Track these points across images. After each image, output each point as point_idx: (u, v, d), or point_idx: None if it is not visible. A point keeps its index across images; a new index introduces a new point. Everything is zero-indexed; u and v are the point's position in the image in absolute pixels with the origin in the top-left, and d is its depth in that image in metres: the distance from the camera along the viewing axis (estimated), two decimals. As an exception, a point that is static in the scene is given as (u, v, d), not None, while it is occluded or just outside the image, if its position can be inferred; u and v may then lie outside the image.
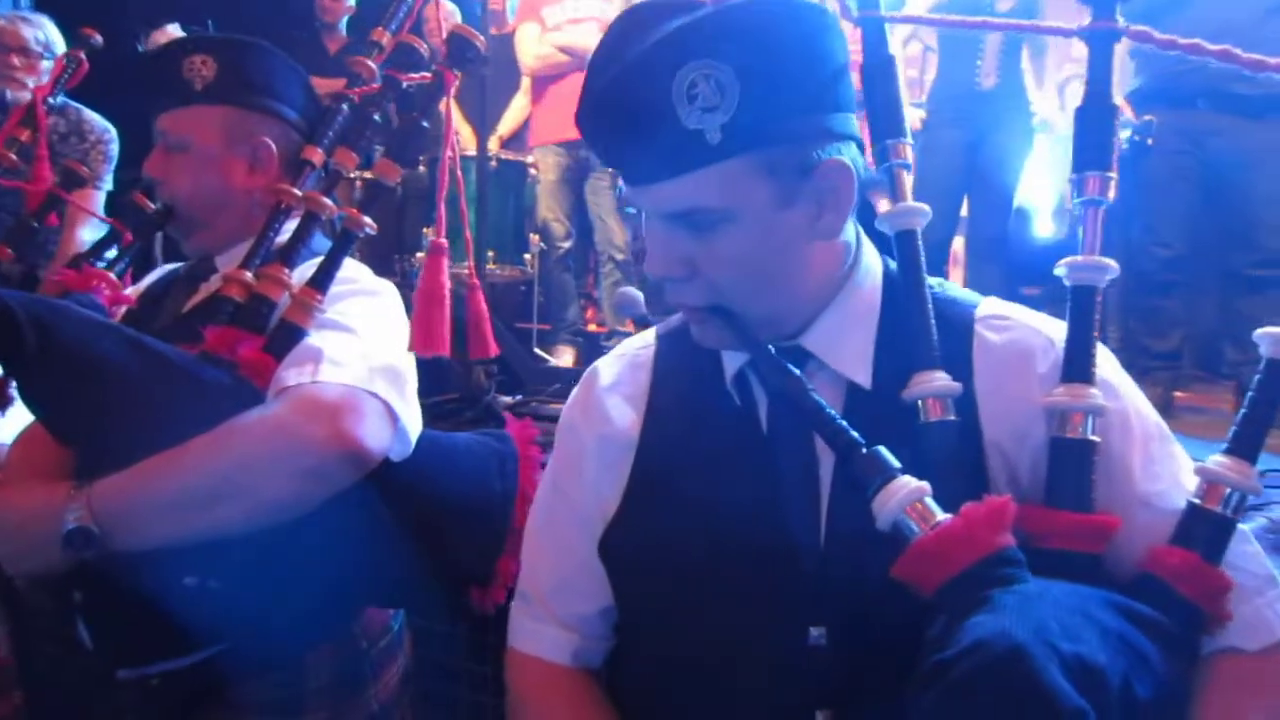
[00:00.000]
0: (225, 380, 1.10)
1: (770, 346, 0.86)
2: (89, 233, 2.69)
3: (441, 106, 1.28)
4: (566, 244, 3.90)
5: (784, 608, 0.84)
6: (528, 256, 3.79)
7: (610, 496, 0.96)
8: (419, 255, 3.72)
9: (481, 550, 1.21)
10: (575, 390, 1.05)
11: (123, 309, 1.34)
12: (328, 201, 1.26)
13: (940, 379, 0.85)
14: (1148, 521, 0.84)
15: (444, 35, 1.28)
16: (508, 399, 2.57)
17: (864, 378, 0.89)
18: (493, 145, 3.92)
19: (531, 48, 3.86)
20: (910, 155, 0.98)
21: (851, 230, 0.93)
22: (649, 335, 1.04)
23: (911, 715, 0.66)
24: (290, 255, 1.21)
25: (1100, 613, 0.68)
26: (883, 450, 0.77)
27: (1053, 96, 3.50)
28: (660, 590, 0.92)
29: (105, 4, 4.21)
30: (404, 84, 1.31)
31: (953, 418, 0.85)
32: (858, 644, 0.82)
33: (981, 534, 0.71)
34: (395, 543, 1.16)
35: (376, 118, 1.32)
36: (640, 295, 1.80)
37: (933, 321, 0.89)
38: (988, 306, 0.94)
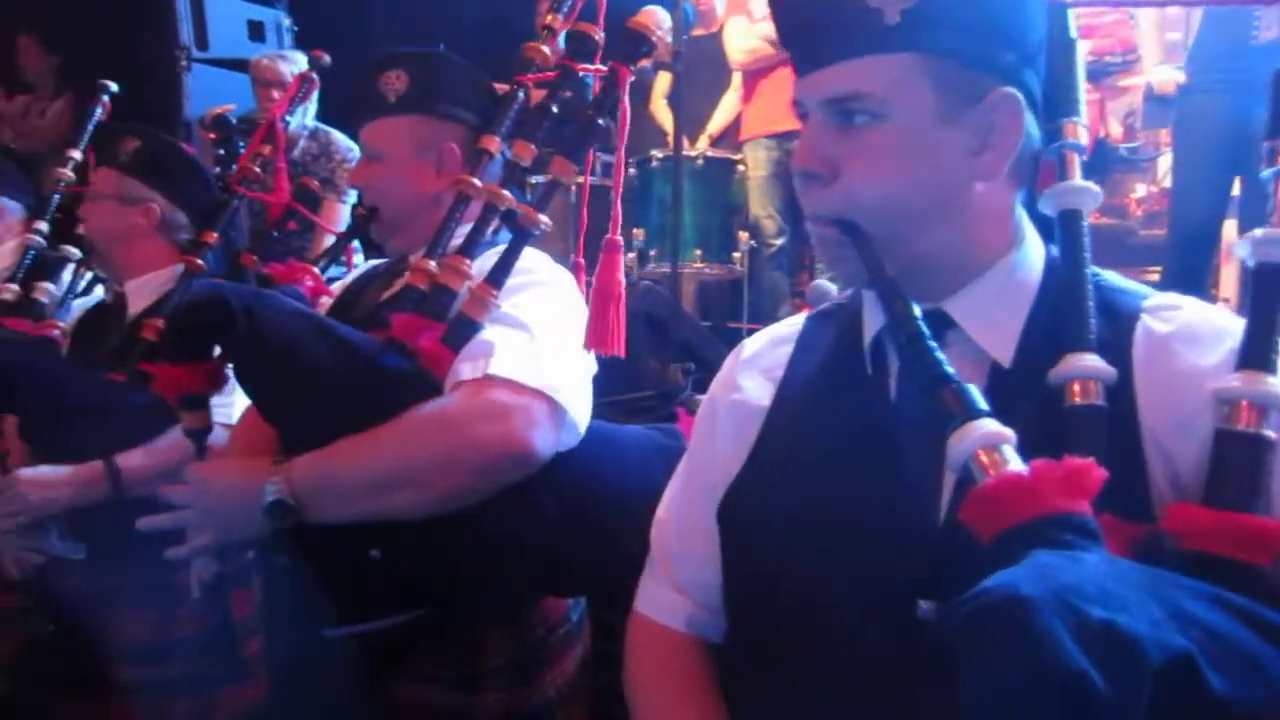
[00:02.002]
0: (406, 369, 1.17)
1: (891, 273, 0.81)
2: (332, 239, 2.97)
3: (656, 102, 1.28)
4: (779, 241, 3.85)
5: (895, 578, 0.80)
6: (736, 255, 3.78)
7: (734, 463, 0.95)
8: (629, 255, 3.81)
9: (644, 545, 1.24)
10: (723, 366, 1.05)
11: (324, 300, 1.47)
12: (506, 194, 1.30)
13: (1091, 360, 0.77)
14: None
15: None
16: (704, 398, 2.57)
17: (1006, 356, 0.83)
18: (702, 143, 3.95)
19: (739, 42, 3.85)
20: (1083, 136, 0.92)
21: (1018, 210, 0.87)
22: (799, 317, 1.03)
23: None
24: (470, 246, 1.27)
25: (1191, 602, 0.59)
26: (973, 389, 0.71)
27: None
28: (769, 555, 0.89)
29: (355, 34, 4.65)
30: (579, 73, 1.33)
31: (1102, 403, 0.76)
32: None
33: (1048, 491, 0.64)
34: (558, 531, 1.19)
35: (554, 108, 1.34)
36: (833, 287, 1.76)
37: (1091, 304, 0.81)
38: (1161, 298, 0.84)
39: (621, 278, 1.35)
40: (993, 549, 0.65)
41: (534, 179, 2.81)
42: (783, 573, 0.88)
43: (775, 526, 0.89)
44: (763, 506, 0.91)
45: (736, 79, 4.04)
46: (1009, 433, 0.68)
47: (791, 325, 1.01)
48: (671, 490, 1.05)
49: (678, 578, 1.00)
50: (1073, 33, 0.93)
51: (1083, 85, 0.93)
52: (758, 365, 0.99)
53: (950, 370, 0.72)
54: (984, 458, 0.67)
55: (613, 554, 1.24)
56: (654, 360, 2.45)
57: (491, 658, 1.27)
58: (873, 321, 0.90)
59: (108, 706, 1.68)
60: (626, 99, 1.29)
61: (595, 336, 1.30)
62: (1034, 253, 0.88)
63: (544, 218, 1.26)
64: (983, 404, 0.70)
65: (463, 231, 1.32)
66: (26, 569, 1.72)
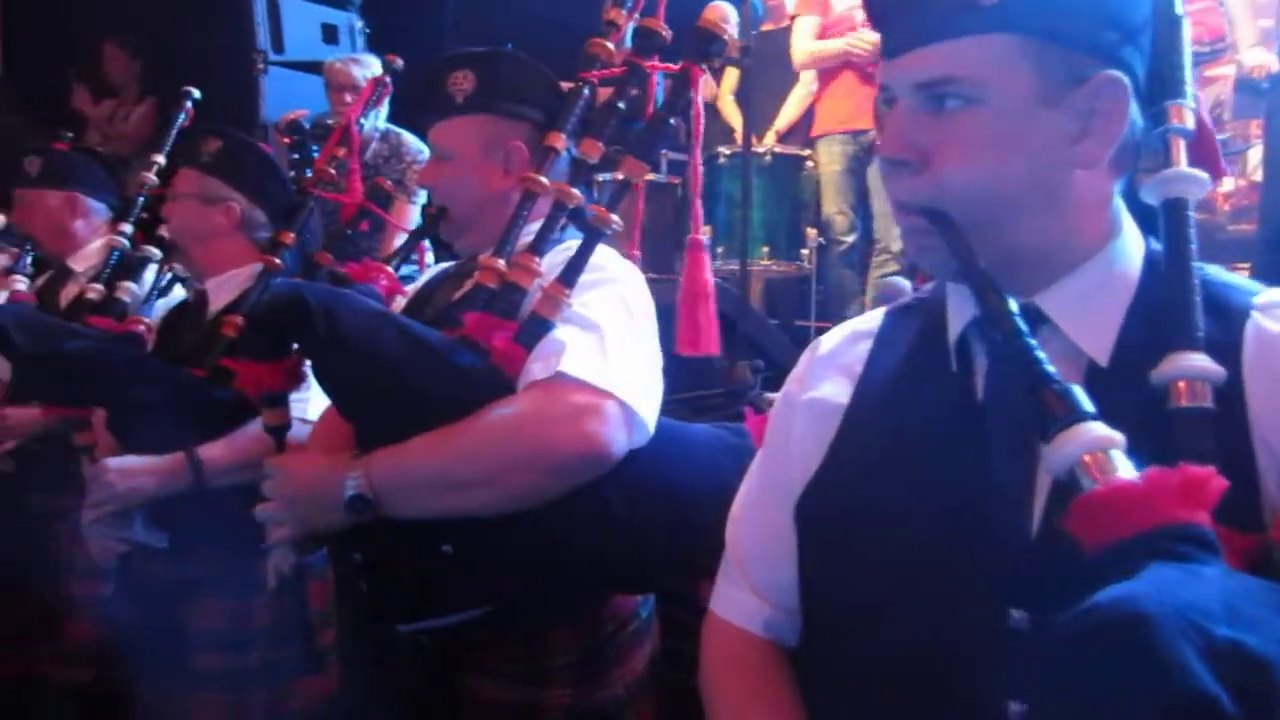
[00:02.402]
0: (480, 366, 1.18)
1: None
2: (402, 239, 3.02)
3: (711, 98, 1.28)
4: (850, 237, 3.79)
5: (984, 587, 0.76)
6: (804, 252, 3.73)
7: (811, 462, 0.92)
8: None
9: (712, 544, 1.22)
10: (799, 361, 1.02)
11: (399, 299, 1.48)
12: (575, 192, 1.30)
13: (1199, 359, 0.73)
14: None
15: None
16: (774, 396, 2.55)
17: (1103, 355, 0.79)
18: (770, 139, 3.92)
19: (804, 43, 3.81)
20: (1190, 120, 0.87)
21: (1116, 200, 0.83)
22: (878, 312, 0.99)
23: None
24: (540, 244, 1.27)
25: None
26: (1078, 390, 0.67)
27: None
28: (848, 557, 0.86)
29: (427, 37, 4.72)
30: (647, 70, 1.32)
31: (1210, 405, 0.72)
32: None
33: (1164, 501, 0.60)
34: (625, 530, 1.19)
35: (621, 105, 1.34)
36: (907, 284, 1.72)
37: (1198, 299, 0.77)
38: (1273, 295, 0.79)
39: (709, 277, 1.36)
40: (1102, 560, 0.62)
41: (600, 176, 2.83)
42: (862, 575, 0.85)
43: (855, 527, 0.86)
44: (842, 507, 0.88)
45: (805, 75, 3.99)
46: (1118, 437, 0.65)
47: (870, 321, 0.98)
48: (745, 490, 1.03)
49: (753, 580, 0.98)
50: (1179, 9, 0.88)
51: (1189, 66, 0.88)
52: (835, 362, 0.96)
53: (1052, 370, 0.69)
54: (1091, 463, 0.64)
55: (681, 552, 1.23)
56: (722, 358, 2.44)
57: (560, 654, 1.27)
58: (958, 317, 0.87)
59: (186, 694, 1.72)
60: (700, 99, 1.28)
61: (687, 338, 1.30)
62: (1133, 244, 0.84)
63: (615, 217, 1.26)
64: (1089, 406, 0.67)
65: (531, 229, 1.32)
66: (112, 557, 1.78)
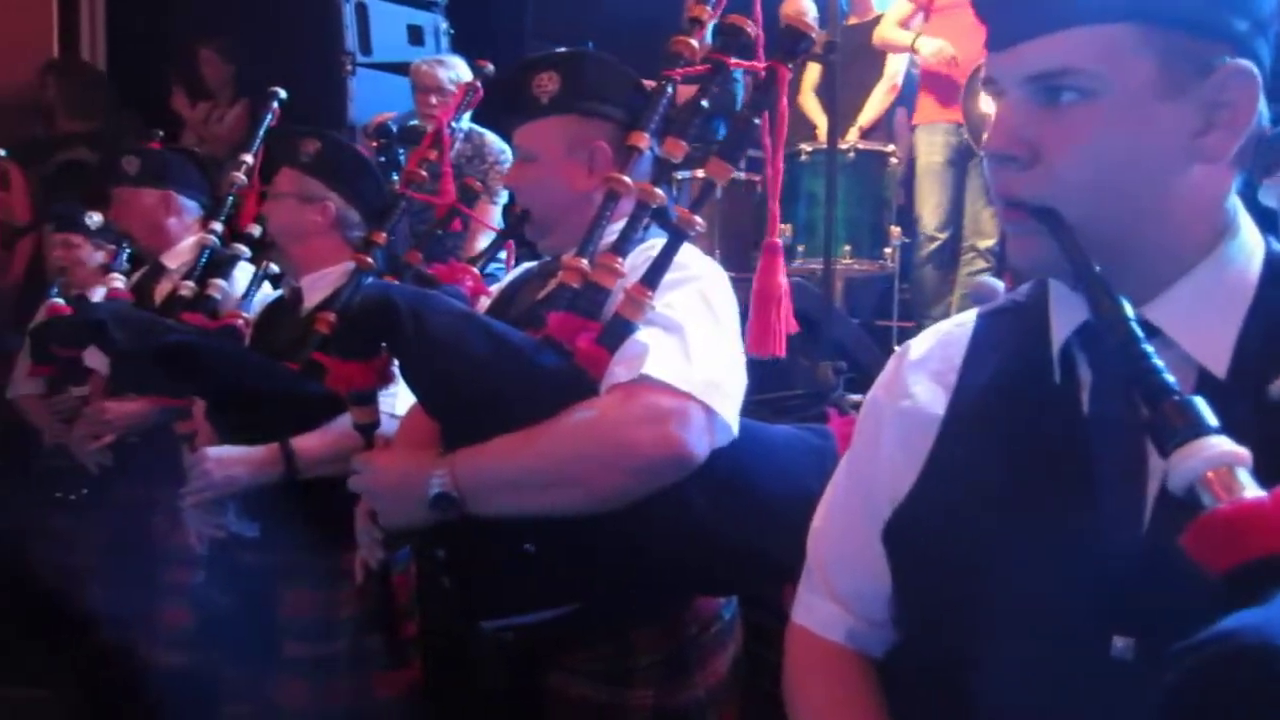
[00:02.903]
0: (563, 367, 1.18)
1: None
2: (485, 239, 3.06)
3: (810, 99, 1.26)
4: (941, 235, 3.69)
5: (1088, 613, 0.72)
6: (888, 251, 3.66)
7: (904, 476, 0.88)
8: (779, 252, 3.77)
9: (795, 547, 1.21)
10: (887, 365, 0.98)
11: (483, 300, 1.50)
12: (658, 192, 1.29)
13: None
14: None
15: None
16: (856, 397, 2.52)
17: (1220, 366, 0.74)
18: (853, 136, 3.85)
19: (886, 28, 3.74)
20: None
21: (1233, 198, 0.78)
22: (969, 314, 0.95)
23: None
24: (623, 244, 1.27)
25: None
26: (1200, 403, 0.63)
27: None
28: (944, 577, 0.83)
29: (508, 37, 4.78)
30: (731, 68, 1.31)
31: None
32: None
33: None
34: (707, 531, 1.18)
35: (704, 103, 1.32)
36: (1000, 285, 1.67)
37: None
38: None
39: (783, 280, 1.34)
40: (1223, 585, 0.58)
41: (679, 174, 2.81)
42: (958, 596, 0.82)
43: (952, 546, 0.83)
44: (939, 525, 0.85)
45: (890, 69, 3.92)
46: (1244, 453, 0.61)
47: (961, 324, 0.94)
48: (830, 498, 1.00)
49: (836, 590, 0.96)
50: None
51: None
52: (927, 368, 0.92)
53: (1172, 380, 0.65)
54: (1215, 480, 0.60)
55: (763, 555, 1.22)
56: (804, 358, 2.41)
57: (643, 655, 1.27)
58: (1062, 324, 0.82)
59: (274, 680, 1.77)
60: (785, 99, 1.26)
61: (757, 339, 1.28)
62: (1252, 245, 0.79)
63: (698, 219, 1.25)
64: (1212, 420, 0.62)
65: (614, 229, 1.32)
66: (207, 543, 1.84)
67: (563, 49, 1.43)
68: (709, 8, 1.39)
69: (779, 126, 1.32)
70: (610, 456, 1.12)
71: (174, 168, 2.53)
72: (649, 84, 1.41)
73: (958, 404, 0.88)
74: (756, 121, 1.29)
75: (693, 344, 1.17)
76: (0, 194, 4.07)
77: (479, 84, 2.12)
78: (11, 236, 3.99)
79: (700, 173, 2.54)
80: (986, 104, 2.53)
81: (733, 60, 1.32)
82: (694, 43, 1.37)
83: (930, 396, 0.89)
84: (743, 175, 3.46)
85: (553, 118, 1.37)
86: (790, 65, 1.26)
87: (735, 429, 1.19)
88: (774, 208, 1.34)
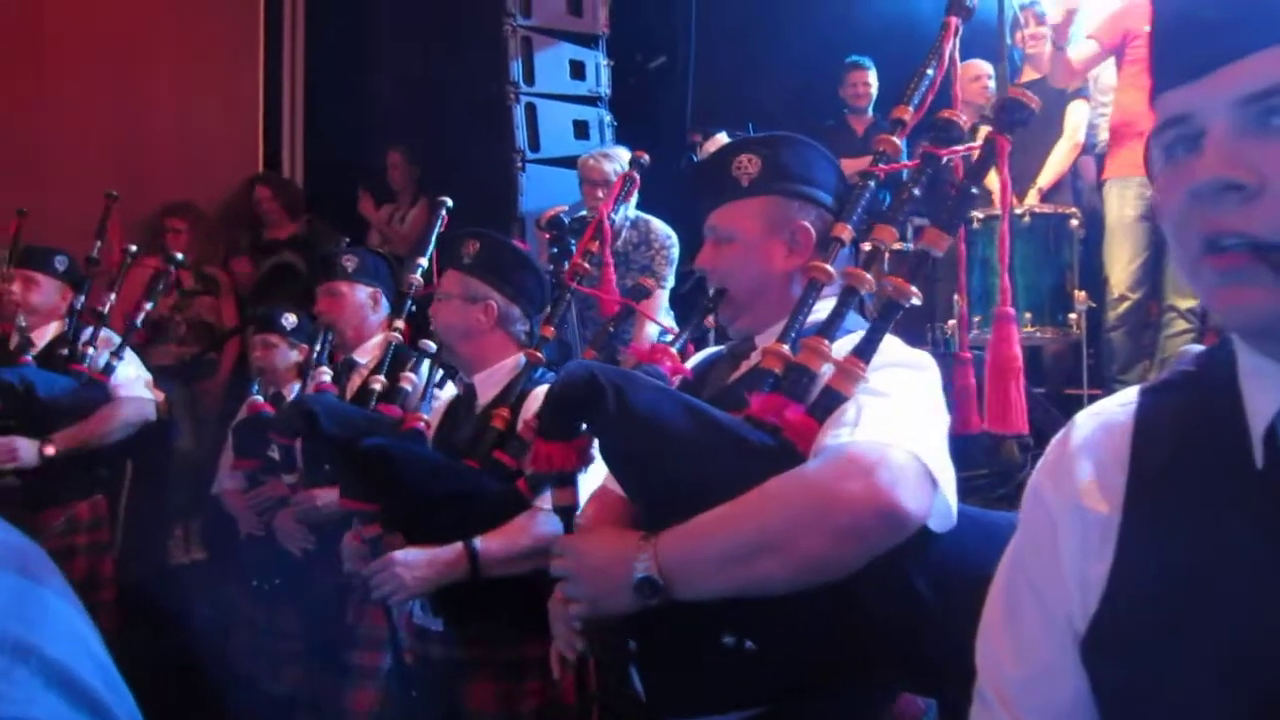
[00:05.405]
0: (770, 443, 1.14)
1: None
2: (654, 328, 3.08)
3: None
4: (1134, 295, 3.48)
5: None
6: (1073, 316, 3.46)
7: (1090, 588, 0.78)
8: (950, 323, 3.61)
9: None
10: (1047, 450, 0.87)
11: (679, 379, 1.48)
12: (867, 276, 1.27)
13: None
14: None
15: (977, 91, 1.23)
16: (1031, 484, 2.35)
17: None
18: (1031, 198, 3.70)
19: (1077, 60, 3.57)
20: None
21: None
22: (1130, 391, 0.84)
23: None
24: (830, 328, 1.24)
25: None
26: None
27: None
28: (1158, 702, 0.72)
29: (669, 127, 4.92)
30: (944, 159, 1.30)
31: None
32: None
33: None
34: (927, 614, 1.09)
35: (916, 192, 1.32)
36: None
37: None
38: None
39: (1018, 351, 1.30)
40: None
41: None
42: (1176, 704, 0.71)
43: (1161, 668, 0.72)
44: (1133, 653, 0.75)
45: (1069, 125, 3.76)
46: None
47: (1123, 404, 0.83)
48: (1001, 603, 0.88)
49: (1019, 709, 0.83)
50: None
51: None
52: (1093, 456, 0.81)
53: None
54: None
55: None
56: (987, 435, 2.28)
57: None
58: (1264, 400, 0.71)
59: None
60: (1007, 169, 1.24)
61: (996, 413, 1.22)
62: None
63: (914, 289, 1.21)
64: None
65: (817, 309, 1.31)
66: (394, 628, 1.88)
67: (762, 133, 1.45)
68: (912, 109, 1.38)
69: (1003, 196, 1.33)
70: (814, 512, 1.05)
71: (380, 267, 2.69)
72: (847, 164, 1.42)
73: (1135, 504, 0.77)
74: (975, 192, 1.25)
75: (903, 408, 1.12)
76: (212, 300, 4.47)
77: (635, 174, 2.16)
78: (221, 339, 4.36)
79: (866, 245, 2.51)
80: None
81: (944, 150, 1.30)
82: (897, 141, 1.38)
83: (1101, 495, 0.79)
84: (909, 246, 3.38)
85: (753, 199, 1.38)
86: (1009, 136, 1.21)
87: (954, 509, 1.11)
88: (1005, 276, 1.31)
